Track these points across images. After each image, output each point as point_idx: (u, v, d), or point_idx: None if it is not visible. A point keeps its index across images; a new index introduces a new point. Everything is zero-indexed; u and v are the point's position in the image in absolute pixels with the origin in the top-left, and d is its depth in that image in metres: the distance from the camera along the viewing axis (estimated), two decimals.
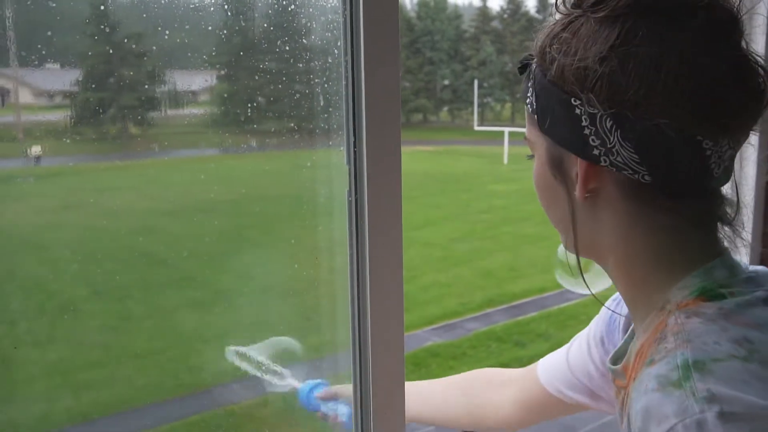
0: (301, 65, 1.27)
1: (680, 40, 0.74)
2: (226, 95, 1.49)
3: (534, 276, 19.82)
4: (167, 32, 1.27)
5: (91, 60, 1.39)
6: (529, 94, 0.86)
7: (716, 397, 0.65)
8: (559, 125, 0.82)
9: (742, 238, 0.86)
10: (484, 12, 68.46)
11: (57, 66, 1.29)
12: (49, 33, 1.21)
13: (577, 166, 0.82)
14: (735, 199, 0.86)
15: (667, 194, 0.79)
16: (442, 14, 66.39)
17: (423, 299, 17.33)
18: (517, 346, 15.52)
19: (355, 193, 1.08)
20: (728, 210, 0.85)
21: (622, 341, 0.96)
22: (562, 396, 1.22)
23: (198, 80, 1.44)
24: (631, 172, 0.78)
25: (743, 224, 0.86)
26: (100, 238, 1.76)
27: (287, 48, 1.28)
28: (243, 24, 1.39)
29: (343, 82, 1.07)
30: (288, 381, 1.35)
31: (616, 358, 0.92)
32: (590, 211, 0.85)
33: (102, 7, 1.30)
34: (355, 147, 1.07)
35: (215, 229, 1.74)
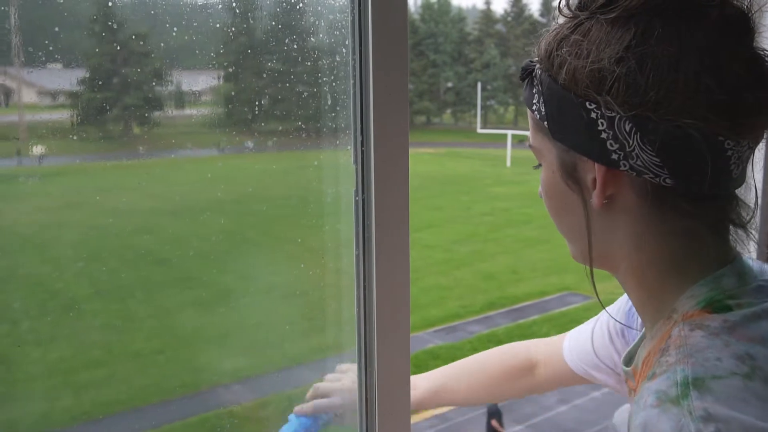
0: (308, 64, 1.27)
1: (696, 39, 0.73)
2: (233, 93, 1.49)
3: (536, 279, 19.82)
4: (174, 31, 1.26)
5: (95, 59, 1.39)
6: (535, 101, 0.84)
7: (713, 416, 0.64)
8: (572, 131, 0.79)
9: (755, 242, 0.84)
10: (487, 15, 68.49)
11: (60, 65, 1.28)
12: (53, 32, 1.21)
13: (593, 172, 0.79)
14: (748, 200, 0.84)
15: (687, 197, 0.77)
16: (445, 17, 66.44)
17: (424, 301, 17.33)
18: None
19: (362, 193, 1.07)
20: (742, 212, 0.83)
21: (635, 341, 0.94)
22: (589, 376, 1.24)
23: (203, 79, 1.43)
24: (652, 175, 0.75)
25: (757, 226, 0.85)
26: (102, 237, 1.75)
27: (295, 47, 1.28)
28: (249, 23, 1.38)
29: (351, 81, 1.07)
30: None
31: (629, 359, 0.92)
32: (605, 217, 0.82)
33: (107, 6, 1.30)
34: (362, 146, 1.06)
35: (219, 229, 1.74)
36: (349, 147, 1.09)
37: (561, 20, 0.82)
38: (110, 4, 1.30)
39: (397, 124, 1.05)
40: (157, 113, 1.57)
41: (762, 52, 0.76)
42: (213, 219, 1.71)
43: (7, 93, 1.35)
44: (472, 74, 64.10)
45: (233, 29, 1.35)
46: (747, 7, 0.76)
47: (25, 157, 1.40)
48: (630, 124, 0.74)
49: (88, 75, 1.36)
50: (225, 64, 1.43)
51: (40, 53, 1.21)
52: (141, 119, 1.61)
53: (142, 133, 1.65)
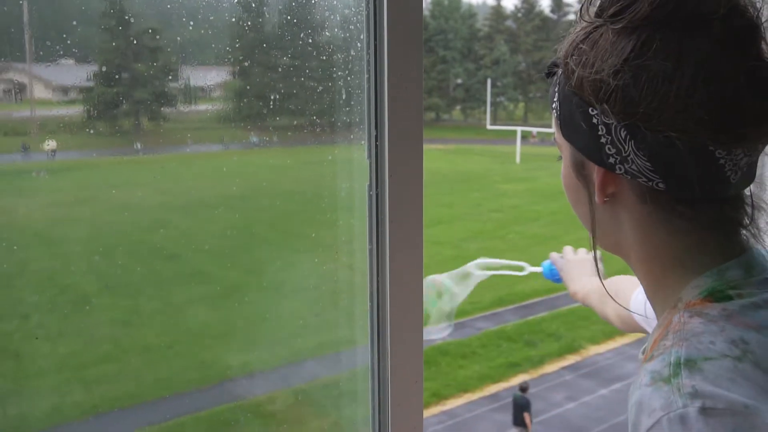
0: (323, 58, 1.27)
1: (695, 52, 0.75)
2: (246, 87, 1.49)
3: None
4: (188, 25, 1.26)
5: (106, 55, 1.39)
6: (555, 99, 0.88)
7: (699, 393, 0.68)
8: (579, 132, 0.84)
9: (763, 241, 0.87)
10: (497, 11, 68.32)
11: (72, 61, 1.29)
12: (66, 28, 1.21)
13: (595, 172, 0.85)
14: (759, 201, 0.87)
15: (681, 201, 0.81)
16: (455, 13, 66.31)
17: None
18: (528, 346, 15.49)
19: (376, 188, 1.07)
20: (749, 212, 0.85)
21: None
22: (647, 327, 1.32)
23: (215, 75, 1.43)
24: (645, 180, 0.80)
25: (765, 227, 0.87)
26: (113, 233, 1.76)
27: (310, 41, 1.28)
28: (263, 17, 1.38)
29: (365, 76, 1.07)
30: (528, 269, 1.64)
31: (645, 350, 0.94)
32: (610, 212, 0.87)
33: (119, 1, 1.30)
34: (376, 141, 1.06)
35: (231, 225, 1.74)
36: (363, 142, 1.09)
37: (582, 24, 0.86)
38: (121, 0, 1.30)
39: (411, 119, 1.04)
40: (168, 109, 1.58)
41: (764, 63, 0.77)
42: (225, 214, 1.71)
43: (20, 89, 1.36)
44: (482, 71, 63.95)
45: (247, 24, 1.35)
46: (756, 17, 0.78)
47: (37, 153, 1.41)
48: (625, 132, 0.78)
49: (99, 70, 1.36)
50: (238, 59, 1.43)
51: (52, 49, 1.21)
52: (153, 114, 1.61)
53: (154, 129, 1.65)
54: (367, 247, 1.11)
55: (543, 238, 22.83)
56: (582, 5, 0.87)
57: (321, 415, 1.75)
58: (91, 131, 1.40)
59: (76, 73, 1.31)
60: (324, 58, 1.27)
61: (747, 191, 0.86)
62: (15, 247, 1.52)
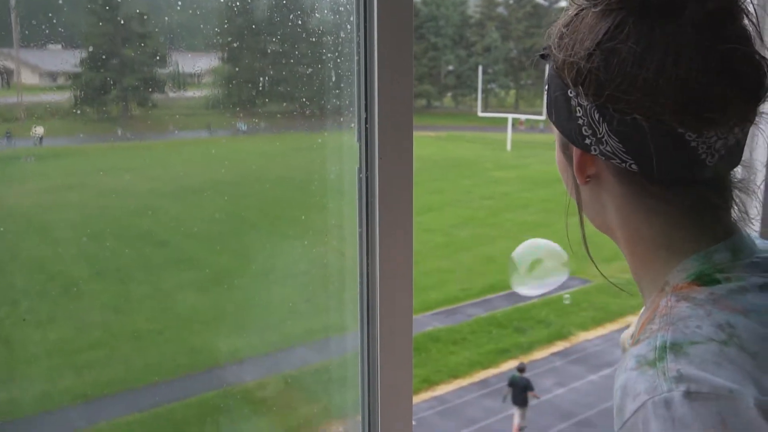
0: (312, 40, 1.26)
1: (667, 35, 0.76)
2: (236, 70, 1.48)
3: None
4: (177, 6, 1.26)
5: (93, 40, 1.38)
6: (546, 83, 0.91)
7: (684, 377, 0.68)
8: (560, 114, 0.86)
9: (749, 225, 0.87)
10: None
11: (59, 46, 1.28)
12: (53, 12, 1.20)
13: (574, 153, 0.87)
14: (747, 185, 0.87)
15: (655, 183, 0.82)
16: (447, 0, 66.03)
17: (424, 284, 17.35)
18: (518, 332, 15.56)
19: (366, 171, 1.07)
20: (735, 195, 0.86)
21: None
22: None
23: (204, 59, 1.43)
24: (619, 161, 0.81)
25: (752, 211, 0.87)
26: (102, 218, 1.76)
27: (299, 22, 1.27)
28: (252, 1, 1.37)
29: (355, 58, 1.06)
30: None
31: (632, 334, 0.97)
32: (593, 193, 0.89)
33: None
34: (366, 124, 1.06)
35: (220, 210, 1.74)
36: (353, 125, 1.09)
37: (571, 7, 0.87)
38: None
39: (401, 101, 1.04)
40: (157, 94, 1.57)
41: (742, 45, 0.77)
42: (214, 200, 1.71)
43: (7, 74, 1.35)
44: (473, 57, 63.73)
45: (236, 5, 1.34)
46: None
47: (24, 139, 1.40)
48: (598, 114, 0.80)
49: (87, 56, 1.35)
50: (227, 42, 1.42)
51: (39, 34, 1.20)
52: (141, 100, 1.60)
53: (142, 114, 1.64)
54: (357, 230, 1.11)
55: (534, 225, 22.87)
56: None
57: (311, 401, 1.76)
58: (79, 117, 1.40)
59: (63, 58, 1.30)
60: (313, 40, 1.26)
61: (736, 176, 0.86)
62: (1, 229, 1.51)
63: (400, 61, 1.04)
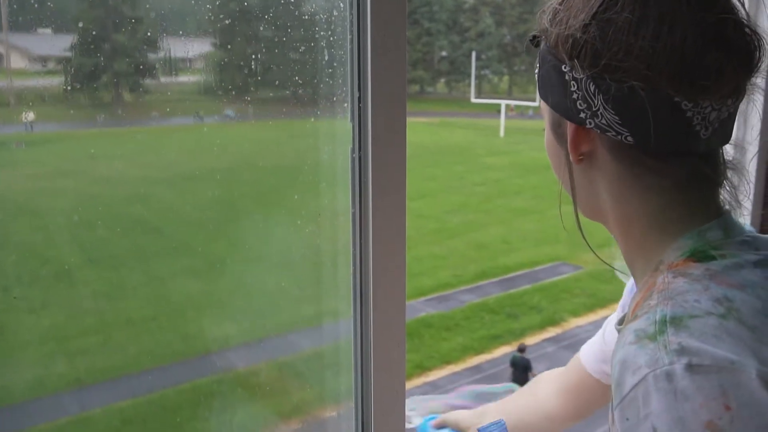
0: (305, 18, 1.25)
1: (660, 5, 0.77)
2: (228, 47, 1.47)
3: (527, 249, 19.90)
4: None
5: (84, 25, 1.37)
6: (537, 63, 0.91)
7: (686, 349, 0.68)
8: (553, 91, 0.87)
9: (738, 201, 0.88)
10: None
11: (49, 30, 1.27)
12: None
13: (568, 129, 0.86)
14: (734, 160, 0.88)
15: (651, 155, 0.82)
16: None
17: (417, 271, 17.40)
18: (510, 318, 15.64)
19: (359, 150, 1.06)
20: (727, 172, 0.87)
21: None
22: (603, 377, 1.28)
23: (196, 45, 1.42)
24: (614, 133, 0.81)
25: (744, 188, 0.88)
26: (94, 205, 1.75)
27: (292, 0, 1.26)
28: None
29: (348, 37, 1.05)
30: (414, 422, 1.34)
31: (621, 320, 0.95)
32: (586, 173, 0.89)
33: None
34: (360, 103, 1.05)
35: (214, 197, 1.73)
36: (346, 104, 1.08)
37: None
38: None
39: (395, 79, 1.03)
40: (148, 80, 1.56)
41: (735, 16, 0.79)
42: (207, 187, 1.70)
43: None
44: (467, 43, 63.55)
45: None
46: None
47: (15, 124, 1.39)
48: (593, 86, 0.80)
49: (77, 41, 1.34)
50: (218, 18, 1.41)
51: (28, 17, 1.19)
52: (132, 85, 1.59)
53: (134, 100, 1.63)
54: (350, 211, 1.10)
55: (526, 212, 22.93)
56: None
57: (297, 389, 1.77)
58: (70, 102, 1.39)
59: (53, 43, 1.29)
60: (306, 18, 1.25)
61: (727, 155, 0.87)
62: None
63: (393, 40, 1.03)
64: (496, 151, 34.29)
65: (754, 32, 0.80)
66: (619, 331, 0.92)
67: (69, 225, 1.71)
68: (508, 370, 11.78)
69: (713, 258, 0.79)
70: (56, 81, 1.38)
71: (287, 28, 1.30)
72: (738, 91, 0.81)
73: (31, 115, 1.35)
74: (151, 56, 1.48)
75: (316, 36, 1.21)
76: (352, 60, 1.05)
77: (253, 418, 1.86)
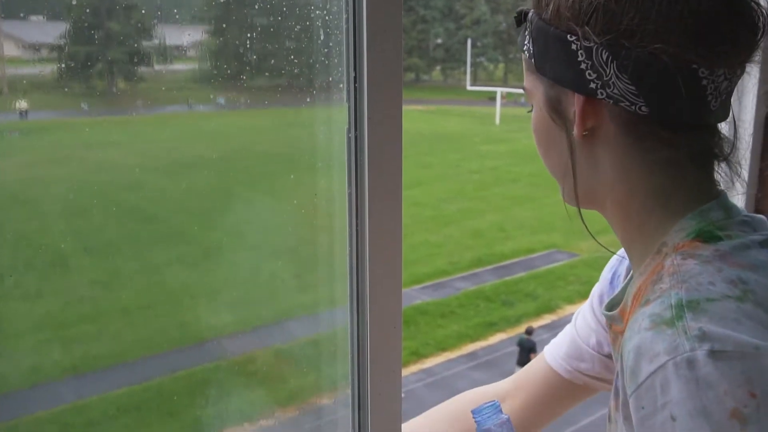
0: None
1: None
2: (223, 27, 1.45)
3: (523, 237, 19.94)
4: None
5: (77, 12, 1.36)
6: (526, 42, 0.87)
7: (707, 335, 0.65)
8: (555, 64, 0.83)
9: (739, 176, 0.86)
10: None
11: (42, 17, 1.26)
12: None
13: (574, 105, 0.82)
14: (732, 136, 0.86)
15: (664, 126, 0.79)
16: None
17: (412, 258, 17.42)
18: (505, 306, 15.68)
19: (355, 130, 1.05)
20: (725, 146, 0.85)
21: (619, 289, 0.96)
22: (574, 373, 1.18)
23: (190, 33, 1.41)
24: (628, 104, 0.78)
25: (740, 163, 0.86)
26: (88, 193, 1.75)
27: None
28: None
29: (344, 16, 1.04)
30: None
31: (612, 305, 0.93)
32: (588, 151, 0.85)
33: None
34: (356, 83, 1.04)
35: (209, 186, 1.73)
36: (341, 84, 1.07)
37: None
38: None
39: (391, 58, 1.02)
40: (143, 68, 1.55)
41: None
42: (202, 175, 1.70)
43: None
44: (462, 30, 63.34)
45: None
46: None
47: (8, 112, 1.39)
48: (606, 53, 0.77)
49: (70, 29, 1.33)
50: (213, 14, 1.40)
51: (21, 4, 1.19)
52: (127, 74, 1.59)
53: (128, 88, 1.63)
54: (346, 191, 1.10)
55: (522, 200, 22.95)
56: None
57: (293, 375, 1.77)
58: (64, 90, 1.38)
59: (46, 30, 1.28)
60: None
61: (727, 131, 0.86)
62: None
63: (389, 18, 1.02)
64: (492, 138, 34.26)
65: (758, 4, 0.79)
66: (608, 317, 0.91)
67: (64, 213, 1.71)
68: (503, 357, 11.93)
69: (720, 238, 0.77)
70: (50, 69, 1.37)
71: (282, 7, 1.29)
72: (747, 61, 0.79)
73: (24, 104, 1.35)
74: (145, 44, 1.47)
75: (312, 15, 1.19)
76: (347, 39, 1.04)
77: (249, 405, 1.87)
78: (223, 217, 1.83)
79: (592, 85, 0.79)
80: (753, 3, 0.78)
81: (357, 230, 1.08)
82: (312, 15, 1.20)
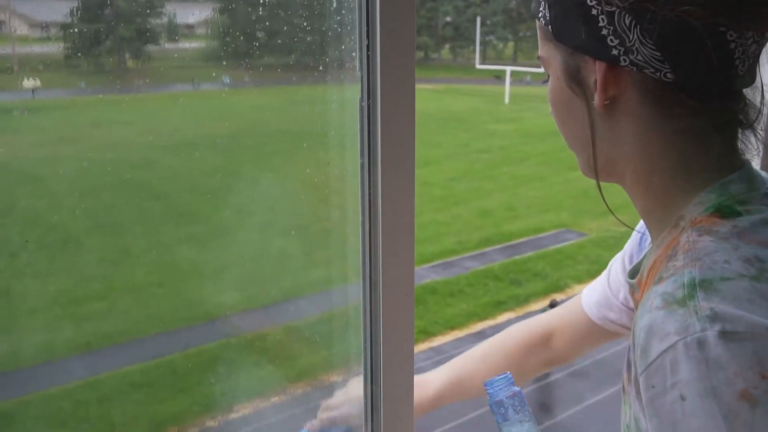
0: None
1: None
2: (231, 6, 1.44)
3: (531, 216, 19.90)
4: None
5: None
6: (541, 8, 0.85)
7: (719, 315, 0.64)
8: (575, 30, 0.79)
9: (763, 144, 0.83)
10: None
11: None
12: None
13: (596, 74, 0.79)
14: (759, 103, 0.82)
15: (690, 93, 0.76)
16: None
17: (421, 237, 17.43)
18: (514, 285, 15.69)
19: (368, 99, 1.04)
20: (750, 113, 0.81)
21: (642, 255, 0.94)
22: (605, 322, 1.22)
23: (199, 11, 1.40)
24: (652, 70, 0.75)
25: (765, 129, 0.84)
26: (98, 171, 1.75)
27: None
28: None
29: None
30: None
31: (634, 272, 0.92)
32: (609, 120, 0.82)
33: None
34: (368, 51, 1.03)
35: (218, 164, 1.73)
36: (354, 53, 1.06)
37: None
38: None
39: (404, 26, 1.01)
40: (151, 46, 1.55)
41: None
42: (212, 154, 1.70)
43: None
44: (471, 9, 62.79)
45: None
46: None
47: (18, 91, 1.39)
48: (630, 18, 0.74)
49: (80, 5, 1.33)
50: None
51: None
52: (135, 52, 1.58)
53: (137, 66, 1.62)
54: (358, 161, 1.09)
55: (531, 179, 22.86)
56: None
57: (302, 353, 1.78)
58: (73, 69, 1.38)
59: (56, 8, 1.28)
60: None
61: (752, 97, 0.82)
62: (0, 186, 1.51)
63: None
64: (502, 117, 34.05)
65: None
66: (630, 285, 0.90)
67: (73, 191, 1.72)
68: None
69: (739, 214, 0.75)
70: (59, 47, 1.37)
71: None
72: None
73: (33, 82, 1.34)
74: (154, 22, 1.46)
75: None
76: (360, 6, 1.03)
77: (261, 382, 1.88)
78: (234, 195, 1.83)
79: (615, 52, 0.76)
80: None
81: (370, 201, 1.07)
82: None
